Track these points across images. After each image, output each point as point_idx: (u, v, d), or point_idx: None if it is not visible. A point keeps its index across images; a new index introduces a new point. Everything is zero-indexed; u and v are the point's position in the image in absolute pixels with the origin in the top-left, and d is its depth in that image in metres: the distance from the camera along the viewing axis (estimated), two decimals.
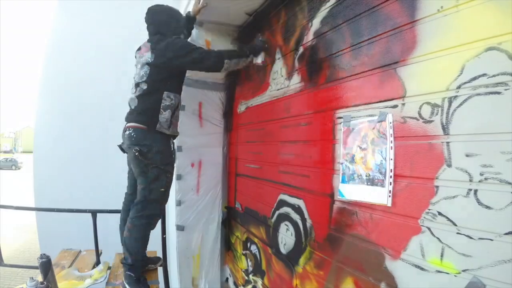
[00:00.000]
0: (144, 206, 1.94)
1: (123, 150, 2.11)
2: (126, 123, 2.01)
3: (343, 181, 1.39)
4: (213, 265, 2.88)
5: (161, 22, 2.08)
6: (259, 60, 2.18)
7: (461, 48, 0.93)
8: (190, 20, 2.35)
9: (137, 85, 1.95)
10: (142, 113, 1.95)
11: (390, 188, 1.14)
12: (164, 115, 1.95)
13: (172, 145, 2.07)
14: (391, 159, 1.15)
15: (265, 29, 2.29)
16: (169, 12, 2.15)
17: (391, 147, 1.15)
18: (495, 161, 0.83)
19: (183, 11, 3.14)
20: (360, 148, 1.30)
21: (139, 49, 2.10)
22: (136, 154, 1.87)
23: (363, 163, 1.28)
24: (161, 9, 2.13)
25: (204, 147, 2.81)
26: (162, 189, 1.98)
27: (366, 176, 1.26)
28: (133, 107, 1.99)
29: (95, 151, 3.70)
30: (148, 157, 1.90)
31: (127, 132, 1.96)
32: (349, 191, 1.36)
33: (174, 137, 2.12)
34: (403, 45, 1.13)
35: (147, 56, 1.93)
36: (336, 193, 1.45)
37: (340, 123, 1.44)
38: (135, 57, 2.13)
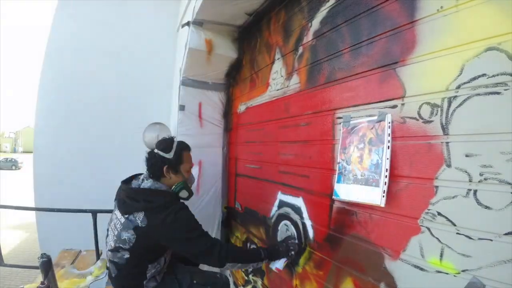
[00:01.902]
0: None
1: None
2: None
3: (338, 181, 1.39)
4: None
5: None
6: (274, 266, 1.70)
7: (460, 48, 0.92)
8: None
9: (116, 249, 1.53)
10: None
11: (385, 188, 1.14)
12: (148, 281, 1.61)
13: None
14: (387, 159, 1.15)
15: (264, 29, 2.30)
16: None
17: (388, 146, 1.15)
18: (495, 161, 0.83)
19: (182, 12, 3.14)
20: (357, 148, 1.30)
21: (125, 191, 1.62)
22: None
23: (359, 163, 1.28)
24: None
25: (204, 147, 2.81)
26: None
27: (361, 175, 1.26)
28: (113, 276, 1.63)
29: (96, 151, 3.71)
30: None
31: None
32: (344, 191, 1.35)
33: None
34: (403, 45, 1.13)
35: (137, 218, 1.49)
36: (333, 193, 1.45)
37: (340, 123, 1.44)
38: (115, 204, 1.66)
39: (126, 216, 1.52)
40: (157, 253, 1.60)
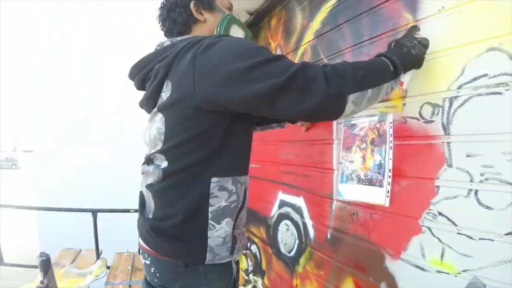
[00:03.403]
0: None
1: None
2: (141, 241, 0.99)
3: (342, 181, 1.39)
4: None
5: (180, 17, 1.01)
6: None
7: (462, 49, 0.92)
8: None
9: (148, 160, 0.98)
10: (168, 228, 0.89)
11: (389, 188, 1.14)
12: (218, 230, 0.89)
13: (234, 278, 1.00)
14: (390, 159, 1.15)
15: (265, 28, 2.29)
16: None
17: (391, 147, 1.15)
18: (496, 162, 0.83)
19: None
20: (360, 148, 1.31)
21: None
22: None
23: (362, 163, 1.28)
24: None
25: None
26: None
27: (364, 176, 1.26)
28: (150, 214, 0.96)
29: (96, 150, 3.71)
30: None
31: (146, 262, 0.96)
32: (348, 191, 1.36)
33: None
34: None
35: (163, 90, 0.89)
36: (335, 193, 1.45)
37: (341, 123, 1.44)
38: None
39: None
40: (220, 140, 0.86)
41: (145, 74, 0.96)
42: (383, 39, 1.22)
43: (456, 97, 0.93)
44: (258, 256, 2.28)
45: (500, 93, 0.82)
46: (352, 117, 1.36)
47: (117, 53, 3.53)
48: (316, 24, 1.67)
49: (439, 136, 0.99)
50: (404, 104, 1.12)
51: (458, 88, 0.93)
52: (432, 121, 1.01)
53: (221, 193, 0.89)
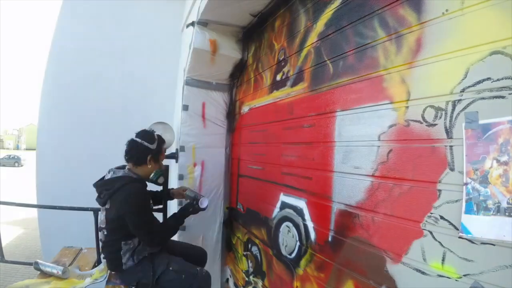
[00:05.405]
0: None
1: None
2: None
3: (469, 211, 0.93)
4: (214, 265, 2.87)
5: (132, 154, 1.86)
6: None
7: (465, 52, 0.92)
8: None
9: (100, 229, 1.84)
10: (108, 262, 1.87)
11: None
12: (126, 258, 1.79)
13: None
14: None
15: (269, 30, 2.30)
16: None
17: None
18: None
19: (187, 12, 3.15)
20: (498, 161, 0.87)
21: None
22: None
23: (503, 184, 0.86)
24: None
25: (207, 148, 2.81)
26: None
27: (507, 203, 0.84)
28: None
29: (98, 149, 3.71)
30: None
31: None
32: (480, 226, 0.90)
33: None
34: (408, 48, 1.13)
35: (105, 200, 1.76)
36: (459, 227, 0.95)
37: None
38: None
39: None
40: (126, 229, 1.71)
41: (100, 192, 1.84)
42: (386, 41, 1.22)
43: (459, 100, 0.93)
44: (259, 257, 2.28)
45: (503, 97, 0.82)
46: (479, 117, 0.94)
47: (120, 52, 3.55)
48: (319, 26, 1.67)
49: (441, 140, 0.98)
50: (406, 107, 1.12)
51: (461, 92, 0.93)
52: (434, 125, 1.01)
53: (124, 246, 1.79)
